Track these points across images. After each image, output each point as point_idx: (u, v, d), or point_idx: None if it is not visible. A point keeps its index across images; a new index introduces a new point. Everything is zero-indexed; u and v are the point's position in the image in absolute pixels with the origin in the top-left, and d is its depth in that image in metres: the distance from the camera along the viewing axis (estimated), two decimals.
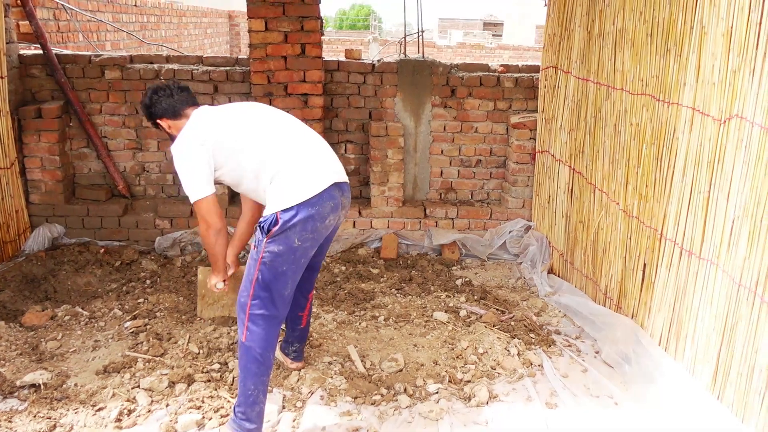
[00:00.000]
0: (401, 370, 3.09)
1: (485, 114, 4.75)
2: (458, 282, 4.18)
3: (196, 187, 2.49)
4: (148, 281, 4.05)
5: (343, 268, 4.33)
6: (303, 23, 4.29)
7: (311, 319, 3.27)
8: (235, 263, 2.98)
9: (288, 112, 2.76)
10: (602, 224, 3.59)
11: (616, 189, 3.41)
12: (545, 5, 4.44)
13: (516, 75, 4.72)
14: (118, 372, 2.99)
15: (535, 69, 4.73)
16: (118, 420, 2.65)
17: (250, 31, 4.32)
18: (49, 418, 2.64)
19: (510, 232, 4.65)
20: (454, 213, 4.73)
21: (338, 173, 2.58)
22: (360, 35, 21.75)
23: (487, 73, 4.72)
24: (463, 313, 3.71)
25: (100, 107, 4.60)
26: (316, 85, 4.41)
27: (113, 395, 2.82)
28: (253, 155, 2.50)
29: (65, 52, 4.78)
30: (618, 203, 3.40)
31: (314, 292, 3.04)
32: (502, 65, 4.81)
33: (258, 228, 2.45)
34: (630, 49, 3.24)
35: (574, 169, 3.97)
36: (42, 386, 2.82)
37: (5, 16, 4.19)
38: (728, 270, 2.48)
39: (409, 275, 4.23)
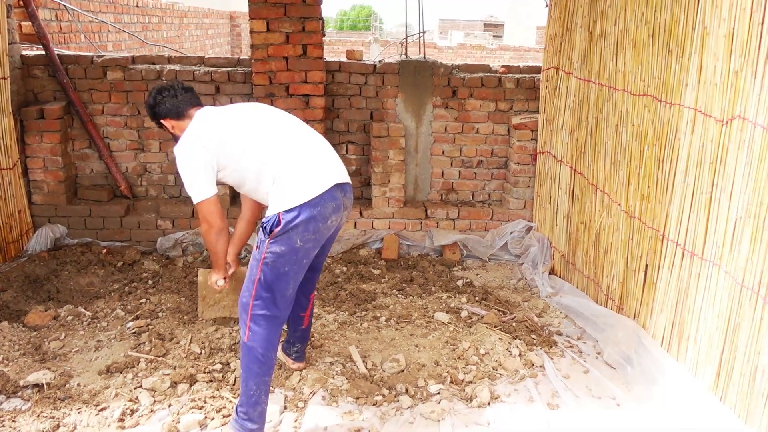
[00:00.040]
0: (403, 371, 3.10)
1: (486, 115, 4.75)
2: (459, 283, 4.18)
3: (199, 188, 2.52)
4: (150, 281, 4.06)
5: (345, 268, 4.34)
6: (304, 24, 4.30)
7: (313, 320, 3.28)
8: (235, 262, 3.00)
9: (289, 112, 2.77)
10: (604, 225, 3.59)
11: (618, 190, 3.42)
12: (546, 6, 4.44)
13: (517, 76, 4.72)
14: (121, 372, 3.00)
15: (537, 70, 4.74)
16: (121, 420, 2.65)
17: (251, 32, 4.33)
18: (53, 417, 2.65)
19: (511, 232, 4.65)
20: (455, 214, 4.74)
21: (340, 174, 2.58)
22: (361, 36, 21.78)
23: (488, 74, 4.72)
24: (464, 313, 3.71)
25: (102, 108, 4.61)
26: (317, 85, 4.42)
27: (116, 395, 2.82)
28: (256, 156, 2.51)
29: (67, 52, 4.80)
30: (619, 204, 3.40)
31: (316, 292, 3.04)
32: (503, 66, 4.81)
33: (260, 228, 2.46)
34: (631, 49, 3.24)
35: (575, 170, 3.98)
36: (45, 386, 2.83)
37: (8, 17, 4.20)
38: (731, 271, 2.48)
39: (411, 276, 4.24)
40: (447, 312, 3.71)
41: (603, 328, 3.40)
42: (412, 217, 4.71)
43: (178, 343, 3.27)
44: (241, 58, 4.69)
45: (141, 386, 2.89)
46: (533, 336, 3.46)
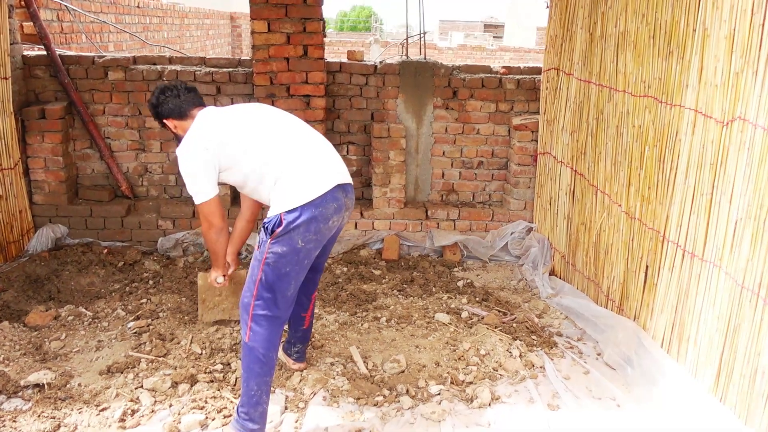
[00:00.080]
0: (403, 372, 3.10)
1: (487, 116, 4.76)
2: (460, 283, 4.19)
3: (200, 189, 2.55)
4: (150, 282, 4.06)
5: (345, 269, 4.34)
6: (305, 25, 4.30)
7: (314, 320, 3.28)
8: (234, 261, 3.02)
9: (290, 113, 2.78)
10: (604, 226, 3.59)
11: (618, 191, 3.42)
12: (547, 7, 4.45)
13: (518, 77, 4.73)
14: (122, 372, 3.00)
15: (537, 71, 4.74)
16: (122, 420, 2.66)
17: (252, 32, 4.33)
18: (53, 418, 2.65)
19: (511, 233, 4.66)
20: (455, 214, 4.74)
21: (342, 174, 2.59)
22: (361, 37, 21.78)
23: (488, 75, 4.73)
24: (464, 314, 3.71)
25: (104, 108, 4.62)
26: (318, 86, 4.42)
27: (117, 395, 2.82)
28: (257, 157, 2.52)
29: (69, 53, 4.80)
30: (620, 205, 3.40)
31: (317, 293, 3.05)
32: (504, 67, 4.82)
33: (262, 229, 2.46)
34: (632, 51, 3.24)
35: (575, 171, 3.98)
36: (46, 386, 2.83)
37: (9, 17, 4.21)
38: (731, 272, 2.48)
39: (411, 276, 4.24)
40: (447, 313, 3.71)
41: (603, 329, 3.40)
42: (412, 217, 4.71)
43: (178, 343, 3.27)
44: (242, 58, 4.69)
45: (142, 386, 2.89)
46: (534, 337, 3.47)
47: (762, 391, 2.29)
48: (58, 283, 3.93)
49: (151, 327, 3.44)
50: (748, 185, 2.38)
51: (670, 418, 2.70)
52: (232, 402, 2.77)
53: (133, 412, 2.72)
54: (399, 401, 2.85)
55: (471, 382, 3.03)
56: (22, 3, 4.64)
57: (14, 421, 2.62)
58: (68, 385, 2.89)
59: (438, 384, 2.99)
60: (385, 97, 4.69)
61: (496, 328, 3.51)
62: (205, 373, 3.00)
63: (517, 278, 4.37)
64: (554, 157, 4.30)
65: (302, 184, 2.45)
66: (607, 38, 3.52)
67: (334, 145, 2.74)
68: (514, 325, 3.59)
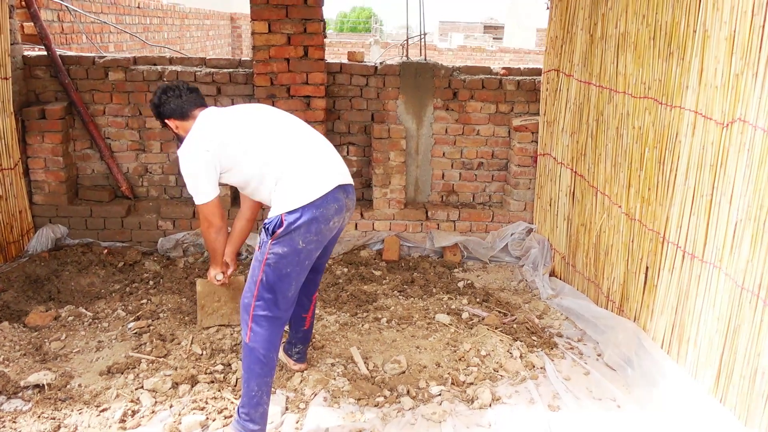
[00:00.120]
0: (404, 372, 3.10)
1: (487, 117, 4.76)
2: (460, 284, 4.19)
3: (201, 190, 2.57)
4: (151, 282, 4.06)
5: (345, 270, 4.34)
6: (306, 25, 4.30)
7: (314, 321, 3.28)
8: (233, 261, 3.02)
9: (291, 114, 2.78)
10: (604, 227, 3.60)
11: (618, 192, 3.42)
12: (547, 8, 4.45)
13: (518, 78, 4.73)
14: (122, 373, 3.00)
15: (537, 72, 4.75)
16: (122, 421, 2.66)
17: (253, 33, 4.34)
18: (53, 418, 2.65)
19: (512, 234, 4.66)
20: (455, 215, 4.74)
21: (343, 175, 2.59)
22: (361, 38, 21.78)
23: (489, 76, 4.73)
24: (465, 315, 3.72)
25: (104, 108, 4.62)
26: (318, 87, 4.42)
27: (117, 396, 2.82)
28: (258, 157, 2.52)
29: (69, 53, 4.80)
30: (620, 206, 3.41)
31: (317, 293, 3.05)
32: (504, 68, 4.82)
33: (263, 229, 2.47)
34: (632, 52, 3.25)
35: (575, 172, 3.98)
36: (46, 387, 2.83)
37: (10, 18, 4.21)
38: (731, 273, 2.48)
39: (411, 277, 4.24)
40: (448, 313, 3.71)
41: (603, 330, 3.41)
42: (412, 218, 4.71)
43: (179, 343, 3.27)
44: (243, 59, 4.70)
45: (142, 387, 2.89)
46: (534, 338, 3.47)
47: (762, 392, 2.30)
48: (58, 283, 3.93)
49: (151, 327, 3.44)
50: (748, 186, 2.39)
51: (671, 419, 2.70)
52: (232, 403, 2.77)
53: (134, 412, 2.72)
54: (400, 402, 2.85)
55: (472, 383, 3.03)
56: (23, 3, 4.64)
57: (14, 421, 2.62)
58: (68, 386, 2.88)
59: (439, 385, 3.00)
60: (386, 98, 4.70)
61: (496, 328, 3.51)
62: (206, 373, 3.00)
63: (517, 279, 4.37)
64: (554, 159, 4.31)
65: (303, 185, 2.45)
66: (608, 39, 3.52)
67: (335, 145, 2.75)
68: (515, 326, 3.59)
